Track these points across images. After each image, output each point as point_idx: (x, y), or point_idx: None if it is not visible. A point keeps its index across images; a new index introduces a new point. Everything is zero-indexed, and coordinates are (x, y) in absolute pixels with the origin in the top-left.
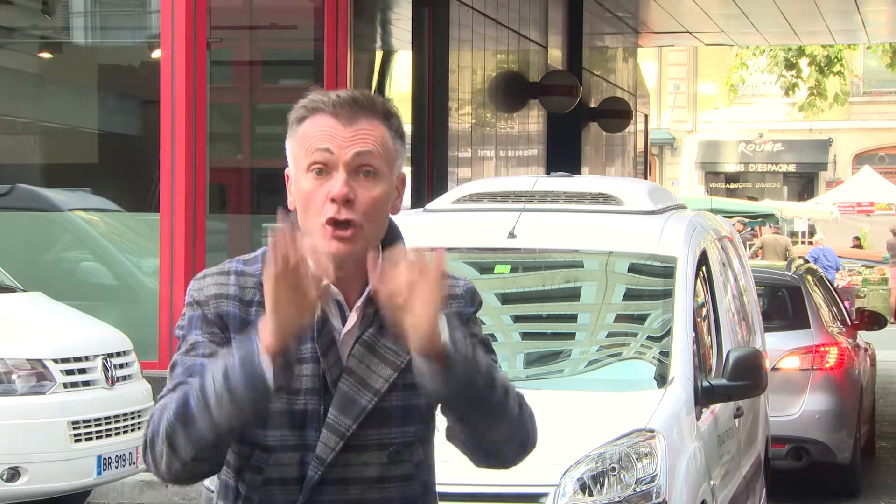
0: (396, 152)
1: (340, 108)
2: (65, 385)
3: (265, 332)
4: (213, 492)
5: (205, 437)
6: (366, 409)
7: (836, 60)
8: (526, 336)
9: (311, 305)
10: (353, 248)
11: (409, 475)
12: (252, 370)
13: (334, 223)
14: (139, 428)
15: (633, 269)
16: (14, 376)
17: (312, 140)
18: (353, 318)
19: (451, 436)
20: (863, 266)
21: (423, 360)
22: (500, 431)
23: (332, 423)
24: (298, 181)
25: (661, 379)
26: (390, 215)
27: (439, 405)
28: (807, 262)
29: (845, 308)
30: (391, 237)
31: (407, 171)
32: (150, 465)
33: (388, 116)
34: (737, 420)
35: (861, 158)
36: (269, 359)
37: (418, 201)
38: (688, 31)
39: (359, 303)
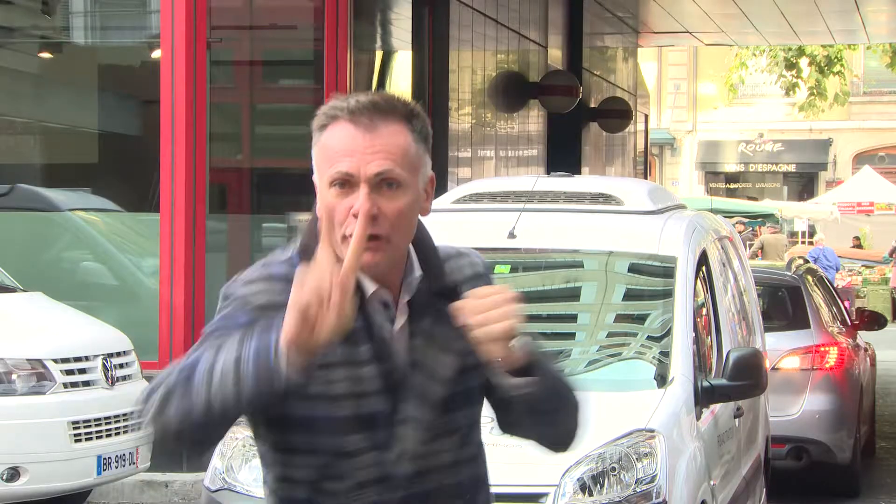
0: (420, 157)
1: (359, 114)
2: (65, 385)
3: (293, 336)
4: (213, 491)
5: (192, 412)
6: (439, 398)
7: (836, 60)
8: (526, 336)
9: (345, 321)
10: (379, 259)
11: (475, 455)
12: (266, 366)
13: None
14: (139, 428)
15: (633, 269)
16: (14, 376)
17: (333, 154)
18: (402, 314)
19: (508, 427)
20: (863, 266)
21: (509, 372)
22: (567, 418)
23: (412, 419)
24: (322, 192)
25: (661, 379)
26: (420, 217)
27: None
28: (807, 262)
29: (845, 308)
30: (420, 237)
31: None
32: (141, 411)
33: (410, 118)
34: (737, 420)
35: (861, 158)
36: (286, 358)
37: None
38: (688, 31)
39: (402, 300)
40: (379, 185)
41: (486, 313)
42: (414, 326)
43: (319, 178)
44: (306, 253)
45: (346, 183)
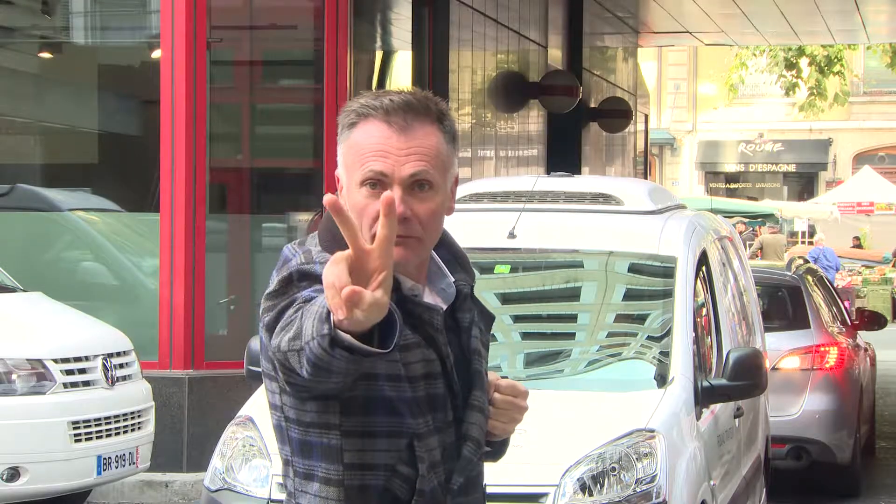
0: (450, 158)
1: (393, 114)
2: (65, 385)
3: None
4: (213, 491)
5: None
6: (485, 379)
7: (836, 60)
8: (526, 336)
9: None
10: (411, 256)
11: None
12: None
13: None
14: (139, 428)
15: (633, 269)
16: (14, 376)
17: (365, 153)
18: (438, 301)
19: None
20: (863, 266)
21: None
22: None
23: (477, 404)
24: (351, 191)
25: (661, 379)
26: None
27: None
28: (807, 262)
29: (845, 308)
30: (442, 237)
31: None
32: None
33: (441, 118)
34: (737, 420)
35: (861, 158)
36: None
37: None
38: (688, 31)
39: (431, 291)
40: (411, 186)
41: (515, 413)
42: (461, 317)
43: (348, 176)
44: (336, 243)
45: (378, 183)
